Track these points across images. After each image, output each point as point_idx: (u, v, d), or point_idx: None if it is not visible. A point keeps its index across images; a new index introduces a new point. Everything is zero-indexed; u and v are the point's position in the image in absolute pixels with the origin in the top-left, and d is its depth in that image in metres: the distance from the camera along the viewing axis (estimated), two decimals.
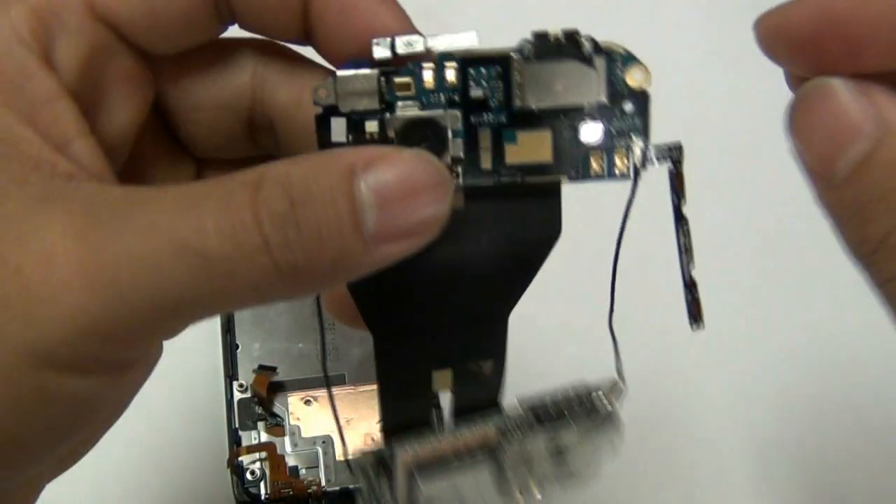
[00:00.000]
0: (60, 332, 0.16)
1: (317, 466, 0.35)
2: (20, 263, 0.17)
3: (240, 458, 0.34)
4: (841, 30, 0.18)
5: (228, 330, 0.37)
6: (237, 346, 0.37)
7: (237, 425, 0.35)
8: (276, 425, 0.35)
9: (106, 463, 0.35)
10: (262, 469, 0.34)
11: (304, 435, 0.35)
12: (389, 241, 0.17)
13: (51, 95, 0.19)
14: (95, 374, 0.18)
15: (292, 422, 0.36)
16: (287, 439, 0.35)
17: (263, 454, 0.35)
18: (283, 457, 0.35)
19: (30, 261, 0.17)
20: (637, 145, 0.20)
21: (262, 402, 0.35)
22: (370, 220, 0.17)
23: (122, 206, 0.17)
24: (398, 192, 0.17)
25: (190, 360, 0.34)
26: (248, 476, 0.34)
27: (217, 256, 0.16)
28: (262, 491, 0.34)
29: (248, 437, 0.35)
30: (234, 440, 0.35)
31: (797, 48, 0.18)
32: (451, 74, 0.20)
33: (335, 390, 0.36)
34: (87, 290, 0.16)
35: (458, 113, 0.20)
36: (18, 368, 0.17)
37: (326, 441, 0.35)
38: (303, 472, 0.35)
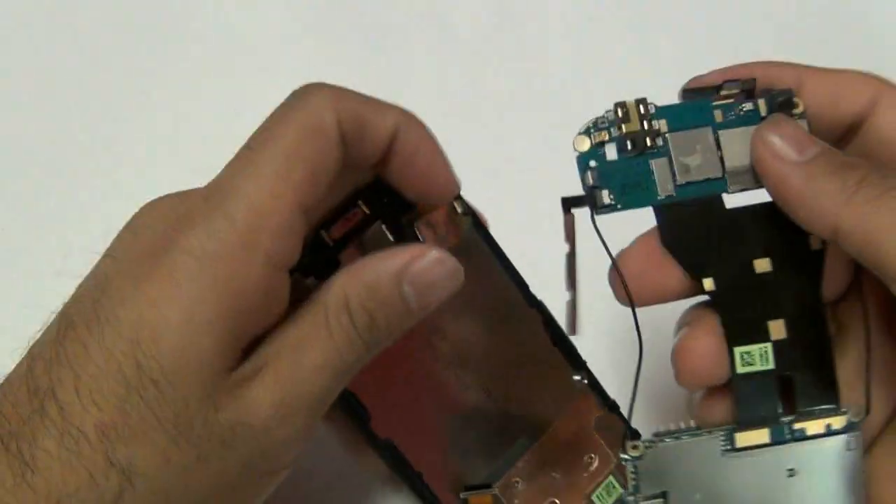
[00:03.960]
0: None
1: None
2: (251, 423, 0.26)
3: None
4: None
5: None
6: None
7: None
8: None
9: None
10: None
11: None
12: (424, 310, 0.28)
13: (278, 292, 0.26)
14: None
15: None
16: None
17: None
18: None
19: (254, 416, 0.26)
20: None
21: None
22: (412, 304, 0.27)
23: (290, 356, 0.26)
24: (427, 285, 0.28)
25: None
26: None
27: (344, 366, 0.27)
28: None
29: None
30: None
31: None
32: None
33: None
34: (285, 418, 0.26)
35: None
36: None
37: None
38: None
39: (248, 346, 0.26)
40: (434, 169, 0.29)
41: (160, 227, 0.27)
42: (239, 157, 0.27)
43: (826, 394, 0.27)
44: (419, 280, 0.27)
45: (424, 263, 0.27)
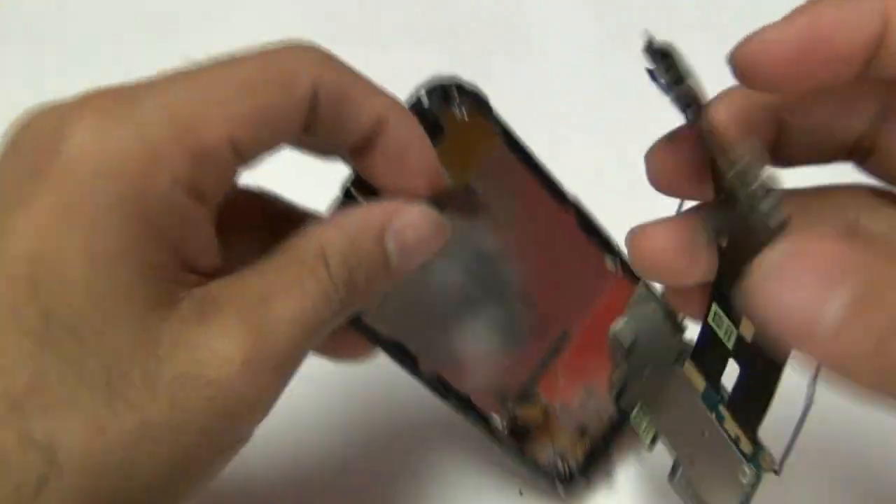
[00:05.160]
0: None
1: None
2: (210, 378, 0.22)
3: None
4: (826, 42, 0.21)
5: None
6: None
7: None
8: None
9: None
10: None
11: None
12: (405, 270, 0.26)
13: (197, 225, 0.23)
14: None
15: None
16: None
17: None
18: None
19: (215, 369, 0.22)
20: None
21: None
22: (394, 261, 0.25)
23: (256, 305, 0.23)
24: (414, 240, 0.26)
25: None
26: None
27: (317, 322, 0.24)
28: None
29: None
30: None
31: (780, 68, 0.21)
32: None
33: None
34: (255, 375, 0.22)
35: None
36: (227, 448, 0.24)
37: None
38: None
39: (178, 285, 0.22)
40: (422, 168, 0.26)
41: (46, 135, 0.21)
42: (182, 69, 0.23)
43: (747, 426, 0.26)
44: (404, 236, 0.25)
45: (410, 218, 0.26)
